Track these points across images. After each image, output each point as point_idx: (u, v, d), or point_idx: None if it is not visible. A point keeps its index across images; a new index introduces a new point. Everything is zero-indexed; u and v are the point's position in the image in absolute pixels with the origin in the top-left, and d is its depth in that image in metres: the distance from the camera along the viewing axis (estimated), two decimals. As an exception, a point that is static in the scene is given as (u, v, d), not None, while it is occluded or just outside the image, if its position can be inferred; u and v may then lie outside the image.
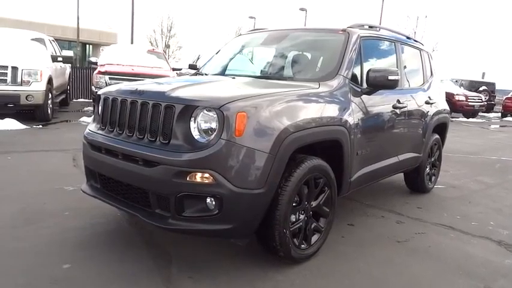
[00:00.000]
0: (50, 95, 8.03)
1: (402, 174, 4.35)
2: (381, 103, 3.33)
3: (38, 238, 2.72)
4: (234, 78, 3.16)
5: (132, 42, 19.70)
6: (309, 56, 3.56)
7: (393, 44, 3.78)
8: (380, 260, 2.74)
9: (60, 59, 9.30)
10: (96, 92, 7.21)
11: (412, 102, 3.84)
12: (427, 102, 4.14)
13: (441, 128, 4.60)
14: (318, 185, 2.61)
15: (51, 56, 8.95)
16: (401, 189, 4.57)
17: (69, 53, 11.26)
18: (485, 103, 17.88)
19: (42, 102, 7.56)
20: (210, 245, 2.76)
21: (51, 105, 8.17)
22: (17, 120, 7.19)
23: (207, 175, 2.12)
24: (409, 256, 2.85)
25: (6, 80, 7.17)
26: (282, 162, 2.29)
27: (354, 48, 3.15)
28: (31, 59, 7.72)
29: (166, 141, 2.25)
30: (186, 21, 60.00)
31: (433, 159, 4.57)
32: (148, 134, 2.34)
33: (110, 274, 2.33)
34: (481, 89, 19.33)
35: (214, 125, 2.18)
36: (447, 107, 4.75)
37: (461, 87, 17.95)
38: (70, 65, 11.45)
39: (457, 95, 15.90)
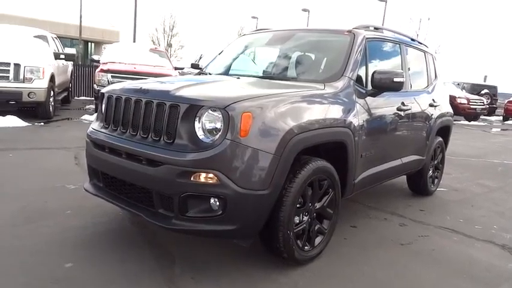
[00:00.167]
0: (52, 92, 8.02)
1: (405, 176, 4.33)
2: (386, 105, 3.31)
3: (39, 237, 2.70)
4: (238, 78, 3.14)
5: (134, 41, 19.67)
6: (314, 56, 3.54)
7: (398, 45, 3.76)
8: (384, 263, 2.73)
9: (62, 56, 9.27)
10: (98, 90, 7.25)
11: (416, 105, 3.82)
12: (431, 105, 4.12)
13: (445, 131, 4.58)
14: (322, 187, 2.60)
15: (54, 53, 8.92)
16: (403, 192, 4.56)
17: (71, 51, 11.25)
18: (487, 106, 17.86)
19: (44, 99, 7.55)
20: (213, 246, 2.74)
21: (53, 103, 8.15)
22: (19, 118, 7.17)
23: (211, 175, 2.10)
24: (412, 259, 2.83)
25: (8, 76, 7.15)
26: (286, 164, 2.28)
27: (359, 49, 3.13)
28: (33, 56, 7.69)
29: (171, 141, 2.23)
30: (188, 21, 60.09)
31: (436, 162, 4.55)
32: (153, 133, 2.32)
33: (112, 274, 2.31)
34: (482, 92, 19.31)
35: (219, 125, 2.16)
36: (451, 110, 4.73)
37: (463, 90, 17.94)
38: (72, 62, 11.45)
39: (459, 98, 15.93)
